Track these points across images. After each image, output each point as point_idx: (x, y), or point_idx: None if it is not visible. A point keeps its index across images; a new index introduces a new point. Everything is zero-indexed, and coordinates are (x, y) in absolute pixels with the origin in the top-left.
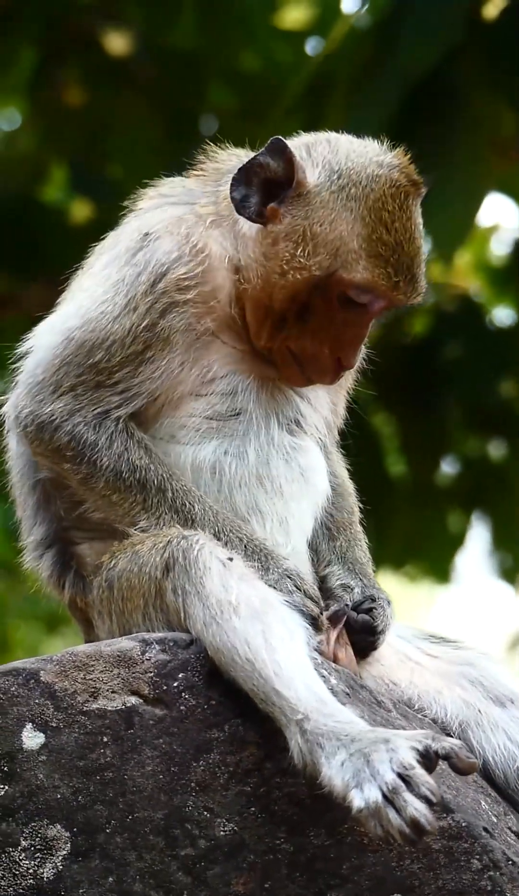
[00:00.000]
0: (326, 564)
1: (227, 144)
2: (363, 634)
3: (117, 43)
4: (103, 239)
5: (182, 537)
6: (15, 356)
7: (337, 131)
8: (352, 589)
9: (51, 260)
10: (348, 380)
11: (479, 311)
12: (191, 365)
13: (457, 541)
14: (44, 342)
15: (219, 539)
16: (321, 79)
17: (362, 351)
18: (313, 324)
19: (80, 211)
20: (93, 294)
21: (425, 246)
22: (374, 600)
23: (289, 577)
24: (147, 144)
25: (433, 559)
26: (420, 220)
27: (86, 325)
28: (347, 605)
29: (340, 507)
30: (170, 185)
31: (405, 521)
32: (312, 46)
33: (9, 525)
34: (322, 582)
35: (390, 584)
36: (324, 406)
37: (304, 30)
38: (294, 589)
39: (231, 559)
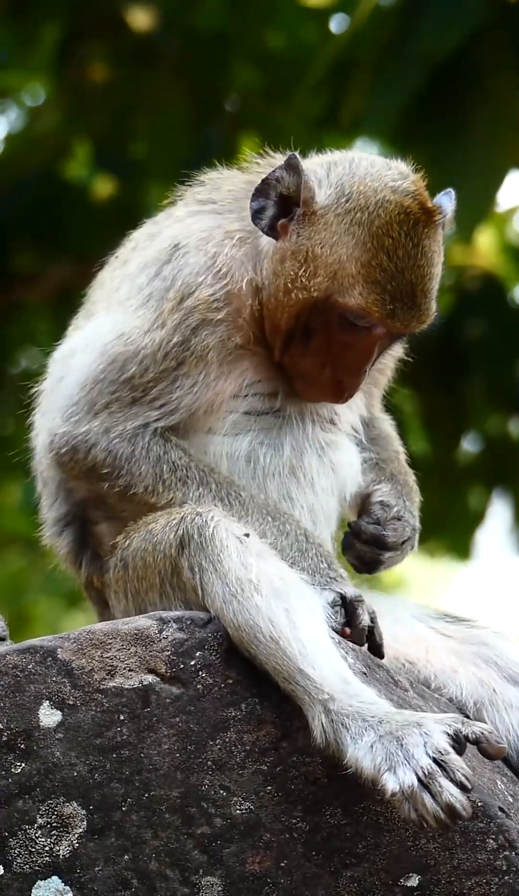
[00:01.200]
0: (375, 483)
1: (257, 137)
2: (372, 546)
3: (142, 21)
4: (140, 226)
5: (196, 514)
6: (45, 372)
7: (359, 111)
8: (391, 507)
9: (74, 237)
10: (386, 373)
11: (501, 290)
12: (227, 376)
13: (477, 518)
14: (78, 361)
15: (273, 522)
16: (345, 59)
17: (367, 375)
18: (315, 344)
19: (103, 188)
20: (125, 305)
21: (439, 274)
22: (399, 520)
23: (341, 579)
24: (171, 123)
25: (454, 536)
26: (434, 249)
27: (118, 339)
28: (366, 521)
29: (385, 448)
30: (207, 191)
31: (426, 498)
32: (336, 25)
33: (30, 501)
34: (366, 498)
35: (411, 562)
36: (358, 403)
37: (328, 8)
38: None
39: (247, 535)
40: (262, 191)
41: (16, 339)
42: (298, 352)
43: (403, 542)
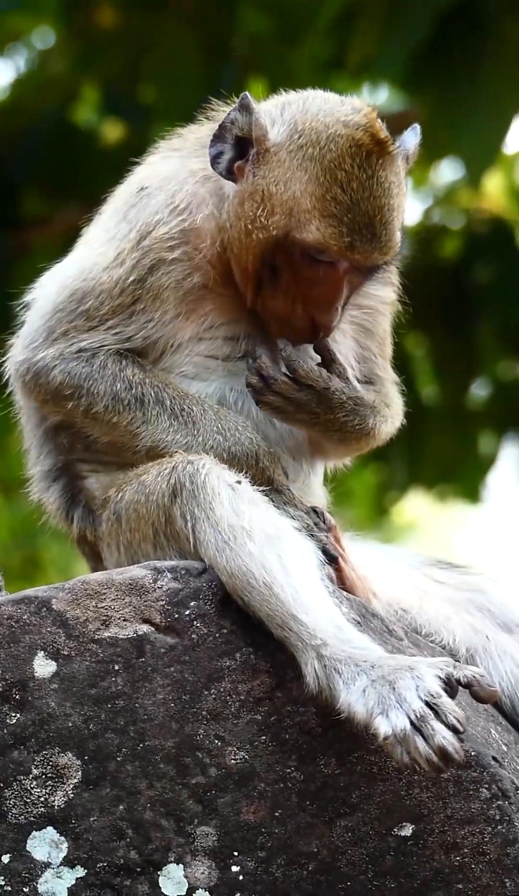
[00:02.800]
0: None
1: (261, 70)
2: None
3: None
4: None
5: (187, 462)
6: (20, 306)
7: (367, 57)
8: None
9: (83, 181)
10: (380, 321)
11: (510, 234)
12: (187, 316)
13: (488, 462)
14: (41, 293)
15: (224, 438)
16: (352, 3)
17: (339, 312)
18: (284, 284)
19: (113, 132)
20: (91, 246)
21: (399, 205)
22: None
23: (306, 513)
24: (180, 67)
25: (464, 481)
26: (391, 180)
27: (79, 274)
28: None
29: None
30: (180, 138)
31: (436, 442)
32: None
33: None
34: None
35: (422, 505)
36: (345, 351)
37: None
38: (311, 525)
39: (239, 482)
40: (218, 135)
41: (26, 280)
42: (269, 293)
43: (340, 403)
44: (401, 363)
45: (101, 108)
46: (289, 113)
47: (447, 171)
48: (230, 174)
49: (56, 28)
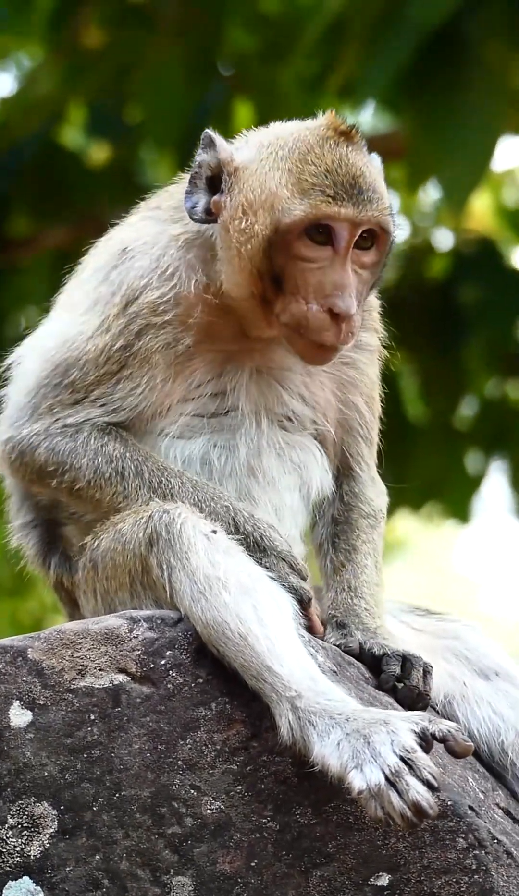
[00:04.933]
0: (326, 590)
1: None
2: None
3: None
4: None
5: (163, 511)
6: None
7: (352, 77)
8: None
9: (70, 201)
10: (366, 371)
11: (497, 253)
12: (174, 378)
13: (476, 481)
14: (24, 367)
15: (201, 510)
16: (338, 23)
17: (355, 298)
18: (291, 286)
19: (99, 152)
20: (73, 311)
21: (378, 179)
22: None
23: (284, 560)
24: (167, 87)
25: (452, 500)
26: (363, 160)
27: (62, 346)
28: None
29: (352, 526)
30: (156, 198)
31: (424, 461)
32: None
33: None
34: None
35: (410, 526)
36: (325, 403)
37: None
38: (289, 572)
39: (215, 532)
40: (191, 187)
41: (12, 302)
42: (281, 307)
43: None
44: (388, 382)
45: (87, 129)
46: (254, 137)
47: (434, 192)
48: (209, 215)
49: (42, 47)
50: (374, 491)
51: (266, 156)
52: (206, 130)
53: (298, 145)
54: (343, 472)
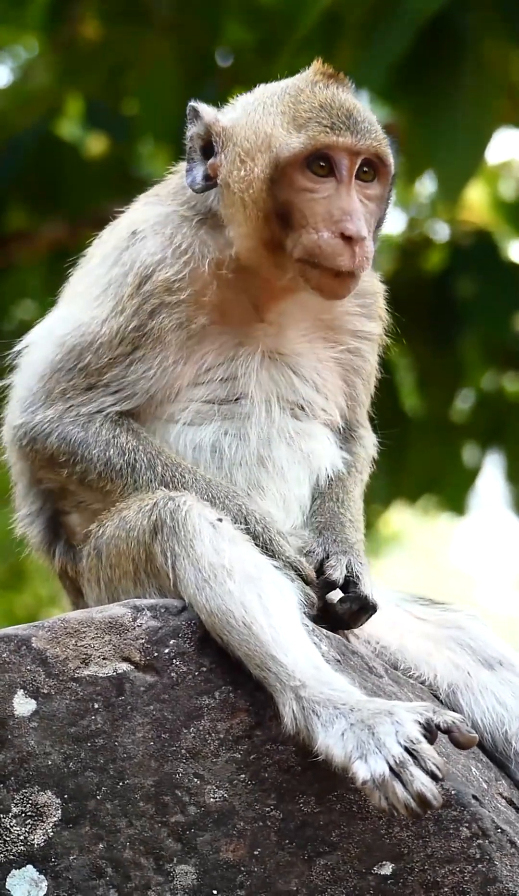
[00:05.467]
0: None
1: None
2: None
3: None
4: (103, 229)
5: (168, 499)
6: (10, 362)
7: (346, 71)
8: (313, 552)
9: (67, 195)
10: (368, 357)
11: (494, 246)
12: (186, 360)
13: (472, 474)
14: (37, 352)
15: (212, 504)
16: (334, 15)
17: (364, 221)
18: (299, 220)
19: (96, 146)
20: (85, 296)
21: (368, 111)
22: (328, 557)
23: (292, 566)
24: (163, 80)
25: (449, 492)
26: (352, 97)
27: (75, 330)
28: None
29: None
30: (159, 186)
31: (421, 455)
32: None
33: None
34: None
35: (406, 518)
36: (334, 391)
37: None
38: (295, 577)
39: (220, 520)
40: (188, 161)
41: (9, 296)
42: (291, 245)
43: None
44: (384, 375)
45: (84, 122)
46: (241, 100)
47: (431, 184)
48: (209, 180)
49: (39, 40)
50: (368, 441)
51: (256, 108)
52: (190, 103)
53: (288, 90)
54: (346, 430)
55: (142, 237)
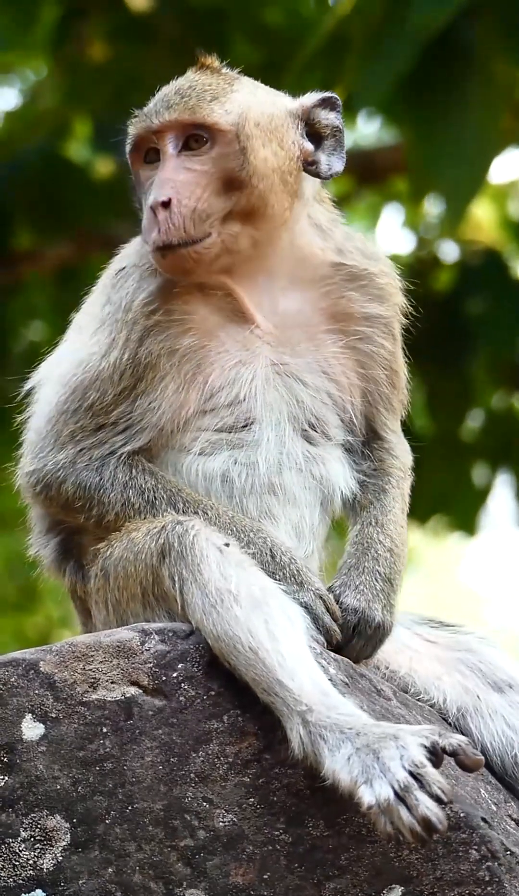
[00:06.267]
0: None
1: None
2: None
3: None
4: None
5: (176, 522)
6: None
7: (352, 87)
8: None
9: (74, 216)
10: (379, 342)
11: (503, 265)
12: (187, 386)
13: (482, 494)
14: (43, 395)
15: (237, 539)
16: (339, 34)
17: (171, 188)
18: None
19: (104, 166)
20: (82, 335)
21: (207, 85)
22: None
23: (321, 598)
24: None
25: (459, 513)
26: (201, 77)
27: (77, 368)
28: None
29: (384, 472)
30: None
31: (431, 475)
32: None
33: None
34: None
35: (417, 538)
36: (352, 390)
37: None
38: (324, 612)
39: (227, 545)
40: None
41: (18, 316)
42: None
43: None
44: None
45: (91, 143)
46: None
47: (438, 204)
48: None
49: (46, 62)
50: (401, 449)
51: None
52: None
53: None
54: (371, 437)
55: (125, 275)
